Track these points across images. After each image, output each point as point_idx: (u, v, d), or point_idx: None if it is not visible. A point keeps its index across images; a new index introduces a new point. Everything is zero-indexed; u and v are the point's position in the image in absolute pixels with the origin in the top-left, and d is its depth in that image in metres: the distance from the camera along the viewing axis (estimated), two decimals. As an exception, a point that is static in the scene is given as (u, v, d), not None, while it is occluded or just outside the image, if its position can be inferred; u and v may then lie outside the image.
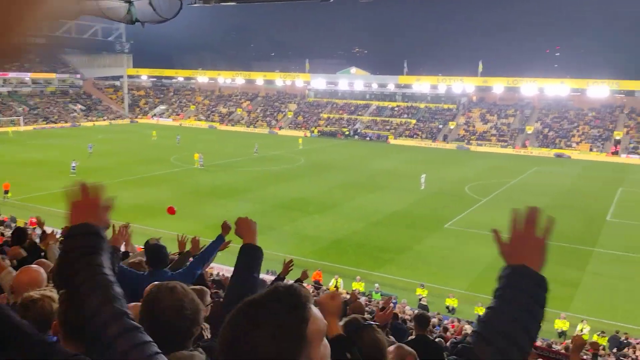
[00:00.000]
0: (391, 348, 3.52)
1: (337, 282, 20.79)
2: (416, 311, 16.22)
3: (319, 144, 67.75)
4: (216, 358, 1.43)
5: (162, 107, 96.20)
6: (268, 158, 54.91)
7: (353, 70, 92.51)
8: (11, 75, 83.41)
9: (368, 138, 75.21)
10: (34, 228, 14.42)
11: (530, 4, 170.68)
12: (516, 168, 52.49)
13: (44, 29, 1.20)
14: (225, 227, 5.83)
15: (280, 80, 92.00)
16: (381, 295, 20.44)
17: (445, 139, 71.41)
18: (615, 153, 61.58)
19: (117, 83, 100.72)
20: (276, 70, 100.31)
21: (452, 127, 73.81)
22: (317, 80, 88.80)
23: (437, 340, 10.04)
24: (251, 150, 57.50)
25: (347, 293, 16.81)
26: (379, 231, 29.79)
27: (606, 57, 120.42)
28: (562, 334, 18.44)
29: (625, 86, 69.19)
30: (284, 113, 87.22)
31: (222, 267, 19.34)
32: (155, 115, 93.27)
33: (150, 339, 1.78)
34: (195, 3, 12.61)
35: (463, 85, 76.64)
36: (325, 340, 1.51)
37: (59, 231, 10.03)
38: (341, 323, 3.11)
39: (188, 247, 6.62)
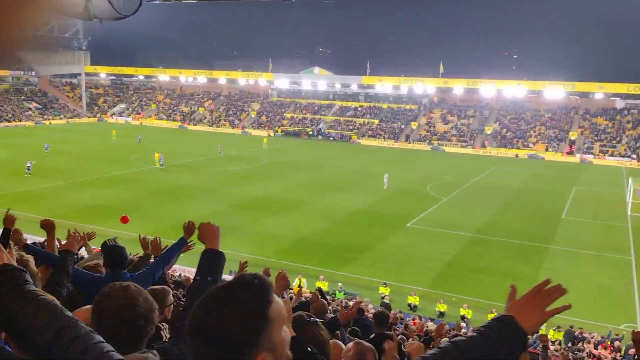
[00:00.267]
0: (350, 344, 3.58)
1: (300, 281, 20.80)
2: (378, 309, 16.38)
3: (283, 144, 67.64)
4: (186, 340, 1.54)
5: (122, 105, 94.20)
6: (232, 158, 54.50)
7: (316, 70, 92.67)
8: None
9: (331, 138, 75.51)
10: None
11: (489, 8, 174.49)
12: (475, 168, 53.63)
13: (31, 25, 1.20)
14: (188, 229, 5.72)
15: (243, 79, 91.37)
16: (344, 294, 20.57)
17: (407, 139, 72.33)
18: (570, 153, 63.61)
19: (75, 81, 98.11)
20: (239, 69, 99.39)
21: (414, 127, 74.81)
22: (280, 80, 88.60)
23: (399, 337, 10.18)
24: (215, 150, 56.95)
25: (311, 292, 16.84)
26: (342, 230, 29.96)
27: (562, 60, 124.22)
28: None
29: (580, 88, 71.53)
30: (247, 113, 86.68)
31: (184, 268, 19.10)
32: (114, 114, 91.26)
33: (102, 340, 1.81)
34: (155, 0, 12.41)
35: (424, 86, 77.81)
36: (286, 328, 1.62)
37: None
38: None
39: (150, 248, 6.52)
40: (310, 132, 77.64)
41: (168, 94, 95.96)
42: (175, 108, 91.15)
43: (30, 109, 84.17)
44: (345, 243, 27.81)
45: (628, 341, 16.93)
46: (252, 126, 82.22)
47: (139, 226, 25.66)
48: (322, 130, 77.97)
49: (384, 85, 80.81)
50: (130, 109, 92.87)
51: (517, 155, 64.19)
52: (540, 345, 6.44)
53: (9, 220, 5.17)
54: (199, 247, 3.06)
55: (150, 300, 2.40)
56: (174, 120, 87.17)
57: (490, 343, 1.70)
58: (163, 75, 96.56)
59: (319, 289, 11.89)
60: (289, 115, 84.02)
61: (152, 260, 6.09)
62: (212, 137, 70.30)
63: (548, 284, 1.88)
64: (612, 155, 62.00)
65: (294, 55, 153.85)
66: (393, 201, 37.37)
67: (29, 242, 5.85)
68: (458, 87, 76.01)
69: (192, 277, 3.63)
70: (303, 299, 10.68)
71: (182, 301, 5.74)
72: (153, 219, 29.40)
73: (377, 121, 78.29)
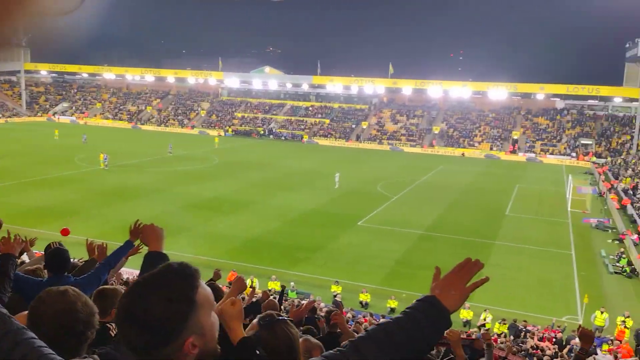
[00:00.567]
0: (300, 341, 3.59)
1: (252, 282, 20.67)
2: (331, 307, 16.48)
3: (234, 143, 67.02)
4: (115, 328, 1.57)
5: (65, 104, 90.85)
6: (182, 158, 53.57)
7: (267, 69, 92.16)
8: None
9: (283, 138, 75.37)
10: None
11: (436, 10, 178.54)
12: (424, 166, 54.75)
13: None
14: (134, 232, 5.55)
15: (193, 78, 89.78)
16: (297, 293, 20.59)
17: (358, 138, 73.05)
18: (513, 152, 65.89)
19: (14, 78, 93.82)
20: (188, 68, 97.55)
21: (364, 127, 75.63)
22: (230, 79, 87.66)
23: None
24: (165, 150, 55.83)
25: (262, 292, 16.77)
26: (294, 230, 29.97)
27: (505, 62, 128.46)
28: (466, 324, 19.50)
29: (522, 89, 74.13)
30: (196, 112, 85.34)
31: (133, 271, 18.61)
32: (56, 113, 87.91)
33: (35, 336, 1.80)
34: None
35: (374, 87, 78.77)
36: (214, 314, 1.68)
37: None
38: (255, 320, 3.14)
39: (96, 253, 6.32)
40: (262, 132, 77.24)
41: (114, 92, 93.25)
42: (121, 107, 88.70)
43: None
44: (297, 242, 27.84)
45: (569, 333, 17.72)
46: (202, 125, 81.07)
47: (84, 228, 24.88)
48: (274, 130, 77.72)
49: (334, 85, 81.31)
50: (73, 108, 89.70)
51: (463, 154, 65.93)
52: (485, 344, 6.60)
53: None
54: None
55: (90, 305, 2.33)
56: (120, 119, 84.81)
57: (415, 323, 1.76)
58: (108, 74, 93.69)
59: (283, 288, 11.87)
60: (239, 115, 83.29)
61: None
62: (164, 137, 68.87)
63: (468, 263, 1.97)
64: (552, 153, 64.60)
65: (245, 54, 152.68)
66: (344, 200, 37.67)
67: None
68: (407, 87, 77.34)
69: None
70: (254, 299, 10.63)
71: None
72: (99, 221, 28.58)
73: (328, 121, 78.69)
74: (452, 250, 27.57)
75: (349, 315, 16.63)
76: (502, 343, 15.81)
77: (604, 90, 66.92)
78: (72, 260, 6.91)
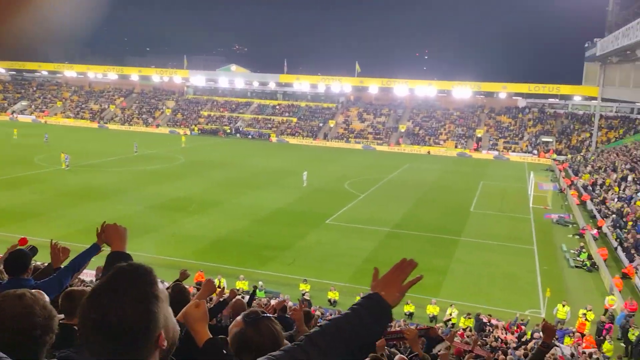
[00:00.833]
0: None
1: (220, 282, 20.50)
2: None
3: (200, 142, 66.29)
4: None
5: (24, 102, 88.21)
6: (148, 157, 52.71)
7: (233, 67, 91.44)
8: None
9: (250, 136, 74.93)
10: None
11: (402, 10, 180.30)
12: (391, 164, 55.26)
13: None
14: (102, 235, 5.39)
15: (157, 76, 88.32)
16: (265, 292, 20.51)
17: (325, 137, 73.20)
18: (477, 150, 67.12)
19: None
20: (152, 65, 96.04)
21: (331, 125, 75.85)
22: (196, 77, 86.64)
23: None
24: (130, 149, 54.82)
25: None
26: (262, 229, 29.84)
27: (469, 61, 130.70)
28: (433, 319, 19.77)
29: (485, 88, 75.58)
30: (161, 110, 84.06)
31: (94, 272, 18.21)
32: (15, 112, 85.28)
33: None
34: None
35: (341, 85, 79.05)
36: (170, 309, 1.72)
37: None
38: (240, 317, 3.15)
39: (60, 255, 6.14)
40: (228, 131, 76.62)
41: (75, 90, 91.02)
42: (83, 106, 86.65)
43: None
44: (265, 241, 27.74)
45: (533, 326, 18.15)
46: (168, 124, 79.93)
47: (46, 230, 24.25)
48: (240, 129, 77.20)
49: (301, 83, 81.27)
50: (33, 106, 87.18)
51: (429, 152, 66.78)
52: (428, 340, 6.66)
53: None
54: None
55: (49, 308, 2.27)
56: (82, 118, 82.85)
57: (361, 318, 1.93)
58: (70, 71, 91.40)
59: (254, 289, 11.77)
60: (205, 113, 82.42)
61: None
62: (130, 136, 67.63)
63: (404, 263, 2.17)
64: (514, 151, 66.05)
65: (210, 53, 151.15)
66: (312, 199, 37.71)
67: None
68: (373, 86, 77.88)
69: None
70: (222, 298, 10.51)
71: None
72: (62, 222, 27.88)
73: (295, 119, 78.61)
74: (419, 246, 27.93)
75: (317, 313, 16.65)
76: (467, 337, 16.11)
77: (564, 89, 68.80)
78: (35, 263, 6.72)
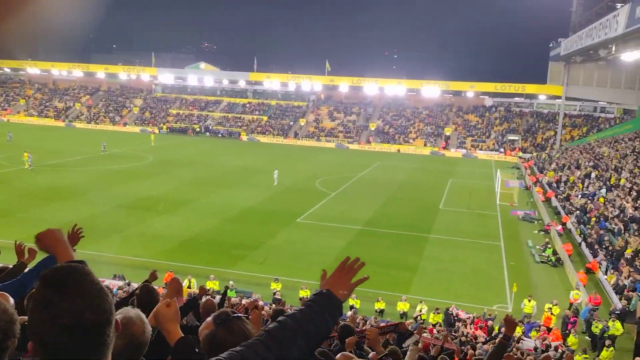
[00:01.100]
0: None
1: (190, 282, 20.29)
2: (273, 305, 16.50)
3: (169, 141, 65.43)
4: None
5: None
6: (116, 156, 51.78)
7: (202, 65, 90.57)
8: None
9: (220, 135, 74.33)
10: None
11: (371, 9, 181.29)
12: (361, 163, 55.56)
13: None
14: (72, 237, 5.23)
15: (124, 74, 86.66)
16: (236, 292, 20.38)
17: (296, 135, 73.14)
18: (446, 148, 68.04)
19: None
20: (119, 63, 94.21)
21: (302, 124, 75.82)
22: (164, 75, 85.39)
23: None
24: (97, 148, 53.77)
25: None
26: (232, 228, 29.66)
27: (438, 60, 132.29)
28: (403, 315, 19.98)
29: (453, 87, 76.62)
30: (129, 108, 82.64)
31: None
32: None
33: None
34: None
35: (312, 84, 79.06)
36: None
37: None
38: (210, 318, 3.12)
39: (27, 255, 5.99)
40: (198, 129, 75.83)
41: (39, 88, 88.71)
42: (47, 104, 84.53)
43: None
44: (236, 241, 27.58)
45: (500, 321, 18.51)
46: (135, 123, 78.66)
47: (11, 232, 23.56)
48: (210, 127, 76.49)
49: (272, 81, 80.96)
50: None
51: (399, 151, 67.37)
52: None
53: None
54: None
55: (10, 312, 2.20)
56: (46, 116, 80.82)
57: (315, 313, 2.05)
58: (33, 68, 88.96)
59: (226, 289, 11.66)
60: (174, 112, 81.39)
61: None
62: (98, 135, 66.27)
63: (349, 261, 2.28)
64: (482, 149, 67.19)
65: (179, 50, 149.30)
66: (283, 197, 37.64)
67: None
68: (344, 84, 78.12)
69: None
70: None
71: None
72: (27, 224, 27.09)
73: (266, 118, 78.30)
74: (389, 244, 28.18)
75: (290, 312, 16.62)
76: (438, 332, 16.33)
77: (529, 88, 70.25)
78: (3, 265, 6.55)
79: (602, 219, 29.85)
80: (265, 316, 8.04)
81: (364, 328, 11.82)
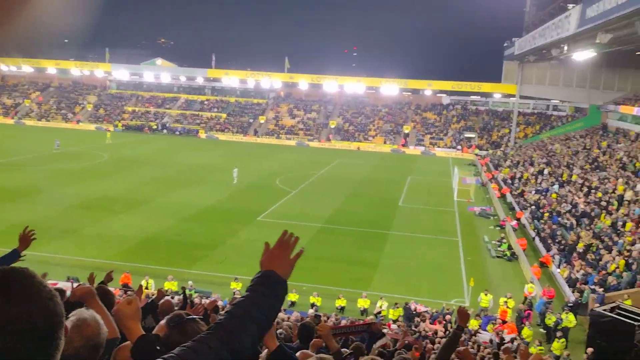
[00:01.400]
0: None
1: (147, 283, 19.88)
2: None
3: (125, 139, 63.91)
4: None
5: None
6: (70, 154, 50.24)
7: (159, 61, 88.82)
8: None
9: (177, 132, 73.12)
10: None
11: (331, 6, 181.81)
12: (322, 160, 55.69)
13: None
14: (23, 240, 4.97)
15: (77, 69, 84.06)
16: (195, 292, 20.09)
17: (256, 133, 72.67)
18: (405, 145, 68.93)
19: None
20: (71, 58, 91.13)
21: (262, 121, 75.38)
22: (119, 71, 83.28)
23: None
24: (50, 147, 52.03)
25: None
26: (191, 227, 29.24)
27: (396, 59, 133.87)
28: (363, 312, 20.13)
29: (412, 85, 77.59)
30: (82, 105, 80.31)
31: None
32: None
33: None
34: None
35: (271, 81, 78.67)
36: None
37: None
38: (163, 321, 3.07)
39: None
40: (155, 127, 74.36)
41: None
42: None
43: None
44: (195, 240, 27.21)
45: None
46: (89, 120, 76.53)
47: (-47, 234, 22.53)
48: (167, 125, 75.14)
49: (230, 78, 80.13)
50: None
51: (359, 148, 67.87)
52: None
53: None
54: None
55: None
56: (-6, 113, 77.63)
57: (261, 296, 2.04)
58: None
59: (184, 290, 11.48)
60: (130, 109, 79.58)
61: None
62: (50, 132, 64.10)
63: (285, 235, 2.26)
64: (440, 146, 68.40)
65: (134, 46, 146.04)
66: (243, 196, 37.35)
67: None
68: (303, 82, 78.07)
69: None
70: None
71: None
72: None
73: (224, 115, 77.49)
74: (350, 241, 28.35)
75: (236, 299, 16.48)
76: (397, 327, 16.53)
77: (485, 87, 71.89)
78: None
79: (554, 214, 30.86)
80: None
81: (327, 324, 11.84)
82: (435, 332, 16.71)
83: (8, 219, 26.13)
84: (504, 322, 19.12)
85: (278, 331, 9.80)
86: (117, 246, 25.37)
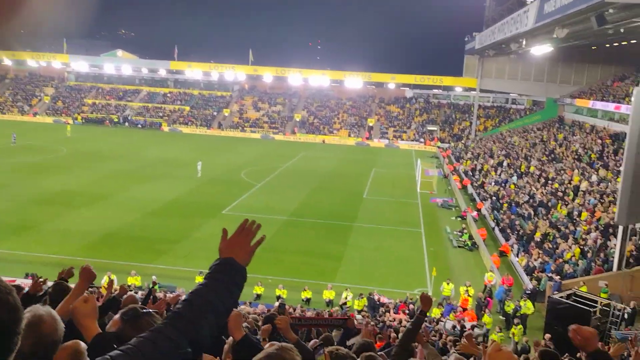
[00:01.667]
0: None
1: (109, 278, 19.53)
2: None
3: (85, 132, 62.37)
4: None
5: None
6: (27, 148, 48.74)
7: (120, 53, 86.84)
8: None
9: (140, 125, 71.77)
10: None
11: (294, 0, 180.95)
12: (287, 153, 55.64)
13: None
14: None
15: (33, 61, 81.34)
16: (159, 287, 19.88)
17: (220, 126, 71.98)
18: (369, 138, 69.48)
19: None
20: (27, 49, 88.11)
21: (226, 114, 74.70)
22: (78, 63, 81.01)
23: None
24: (6, 140, 50.34)
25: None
26: (154, 222, 28.87)
27: (360, 52, 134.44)
28: (329, 303, 20.33)
29: (375, 78, 78.12)
30: (39, 98, 77.91)
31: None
32: None
33: None
34: None
35: (235, 74, 77.96)
36: None
37: None
38: (117, 316, 3.06)
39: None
40: (116, 120, 72.81)
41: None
42: (-54, 92, 78.05)
43: None
44: (158, 234, 26.88)
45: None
46: (47, 113, 74.34)
47: None
48: (129, 118, 73.66)
49: (193, 71, 79.02)
50: None
51: (324, 141, 68.04)
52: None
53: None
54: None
55: None
56: (-55, 106, 74.56)
57: (220, 284, 2.02)
58: None
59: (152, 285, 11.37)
60: (89, 101, 77.64)
61: None
62: (4, 125, 62.03)
63: (247, 223, 2.26)
64: (403, 139, 69.20)
65: (94, 37, 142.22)
66: (207, 189, 37.04)
67: None
68: (267, 75, 77.64)
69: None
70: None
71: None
72: None
73: (188, 108, 76.45)
74: (315, 233, 28.51)
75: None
76: (362, 317, 16.78)
77: (446, 81, 72.98)
78: None
79: (513, 204, 31.73)
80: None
81: (295, 315, 11.94)
82: (400, 322, 17.03)
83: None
84: (465, 309, 19.61)
85: (244, 325, 9.84)
86: (78, 241, 24.85)
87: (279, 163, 49.31)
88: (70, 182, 36.14)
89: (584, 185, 30.47)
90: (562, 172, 34.93)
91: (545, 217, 27.97)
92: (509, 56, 59.39)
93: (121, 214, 29.65)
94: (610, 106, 42.50)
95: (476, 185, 39.59)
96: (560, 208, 28.38)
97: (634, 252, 20.97)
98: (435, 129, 70.65)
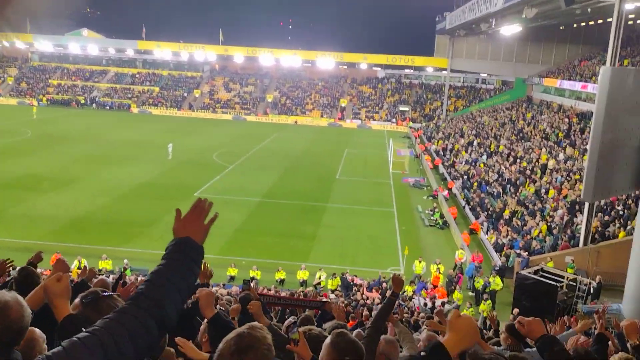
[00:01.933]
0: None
1: (80, 263, 19.29)
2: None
3: (50, 114, 60.80)
4: None
5: None
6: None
7: (85, 32, 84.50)
8: None
9: (108, 107, 70.29)
10: None
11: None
12: (259, 135, 55.28)
13: None
14: None
15: (-5, 40, 78.68)
16: (131, 270, 19.72)
17: (191, 107, 70.98)
18: (342, 119, 69.47)
19: None
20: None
21: (197, 95, 73.65)
22: (41, 42, 78.49)
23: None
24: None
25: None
26: (125, 205, 28.50)
27: (332, 31, 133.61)
28: (303, 283, 20.47)
29: (347, 58, 77.81)
30: (2, 79, 75.50)
31: None
32: None
33: None
34: None
35: (205, 54, 76.67)
36: None
37: None
38: (77, 299, 3.02)
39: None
40: (83, 101, 71.12)
41: None
42: None
43: None
44: (130, 218, 26.57)
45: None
46: (10, 94, 72.15)
47: None
48: (97, 99, 72.03)
49: (162, 51, 77.41)
50: None
51: (296, 122, 67.79)
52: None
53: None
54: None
55: None
56: None
57: (180, 264, 2.04)
58: None
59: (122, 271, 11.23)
60: (55, 82, 75.58)
61: None
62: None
63: (200, 202, 2.27)
64: (375, 120, 69.41)
65: (58, 16, 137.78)
66: (179, 171, 36.65)
67: None
68: (238, 55, 76.61)
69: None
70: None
71: None
72: None
73: (157, 89, 75.10)
74: (288, 214, 28.54)
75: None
76: (336, 297, 16.97)
77: (418, 61, 73.18)
78: None
79: (483, 183, 32.26)
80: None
81: (265, 292, 11.99)
82: (373, 300, 17.28)
83: None
84: (435, 287, 19.98)
85: (217, 307, 9.86)
86: (46, 226, 24.40)
87: (252, 144, 48.99)
88: (37, 166, 35.32)
89: (551, 164, 31.13)
90: (530, 150, 35.59)
91: (513, 195, 28.53)
92: (479, 36, 59.78)
93: (90, 197, 29.16)
94: (578, 85, 43.29)
95: (447, 164, 40.06)
96: (528, 186, 28.98)
97: (600, 229, 21.60)
98: (407, 109, 71.00)
